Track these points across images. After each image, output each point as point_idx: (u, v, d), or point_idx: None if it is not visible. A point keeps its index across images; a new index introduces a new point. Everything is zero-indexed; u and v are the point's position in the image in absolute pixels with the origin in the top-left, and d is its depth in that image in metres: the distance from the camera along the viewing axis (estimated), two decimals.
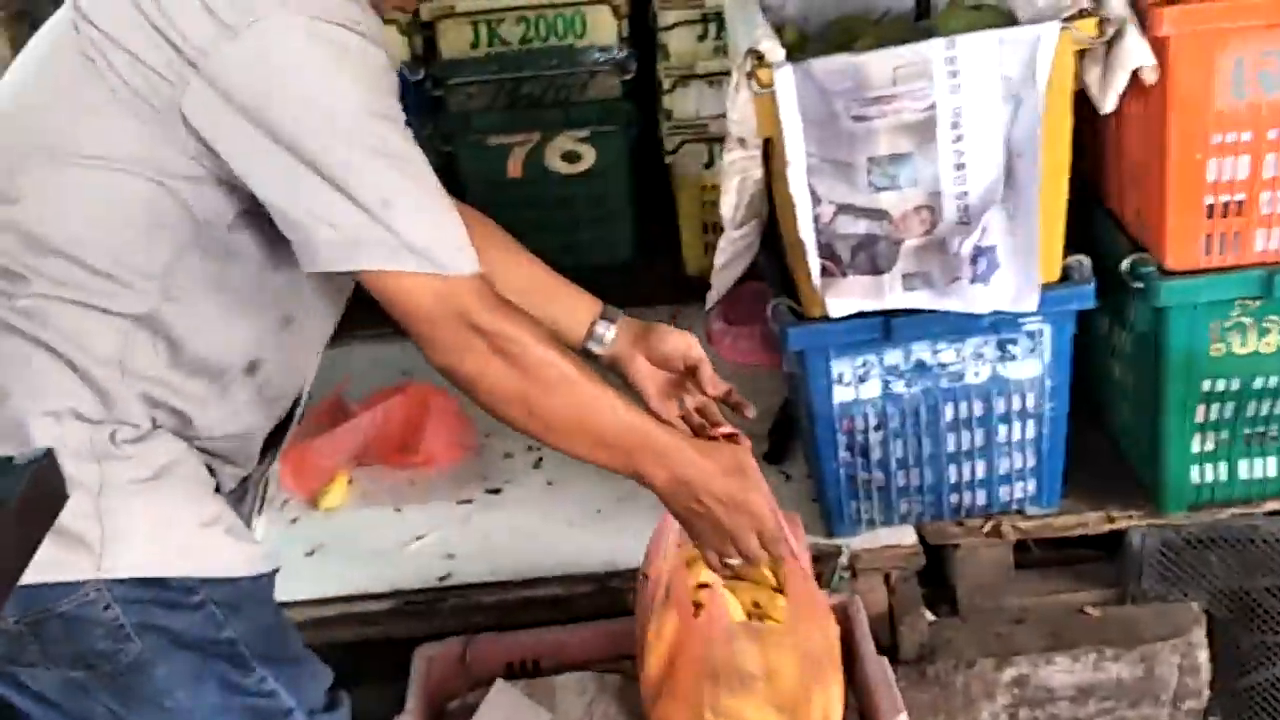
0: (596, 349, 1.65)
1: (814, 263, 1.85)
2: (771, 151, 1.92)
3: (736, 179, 1.95)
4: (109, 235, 1.30)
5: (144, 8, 1.25)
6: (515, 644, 2.07)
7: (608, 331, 1.65)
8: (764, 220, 2.05)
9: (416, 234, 1.27)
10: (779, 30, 2.14)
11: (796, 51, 2.06)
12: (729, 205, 1.97)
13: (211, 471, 1.45)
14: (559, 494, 2.38)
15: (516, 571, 2.20)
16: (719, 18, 2.89)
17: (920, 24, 2.30)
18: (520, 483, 2.44)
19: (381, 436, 2.49)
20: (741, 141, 1.92)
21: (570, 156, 3.08)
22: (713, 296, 2.13)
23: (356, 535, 2.34)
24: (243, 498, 1.59)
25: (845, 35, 2.22)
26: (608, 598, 2.13)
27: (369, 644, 2.17)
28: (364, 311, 1.46)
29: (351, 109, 1.26)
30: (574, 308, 1.66)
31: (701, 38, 2.94)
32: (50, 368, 1.31)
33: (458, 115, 3.07)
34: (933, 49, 1.75)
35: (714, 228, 2.65)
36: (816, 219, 1.83)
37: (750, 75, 1.78)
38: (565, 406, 1.36)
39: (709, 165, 2.99)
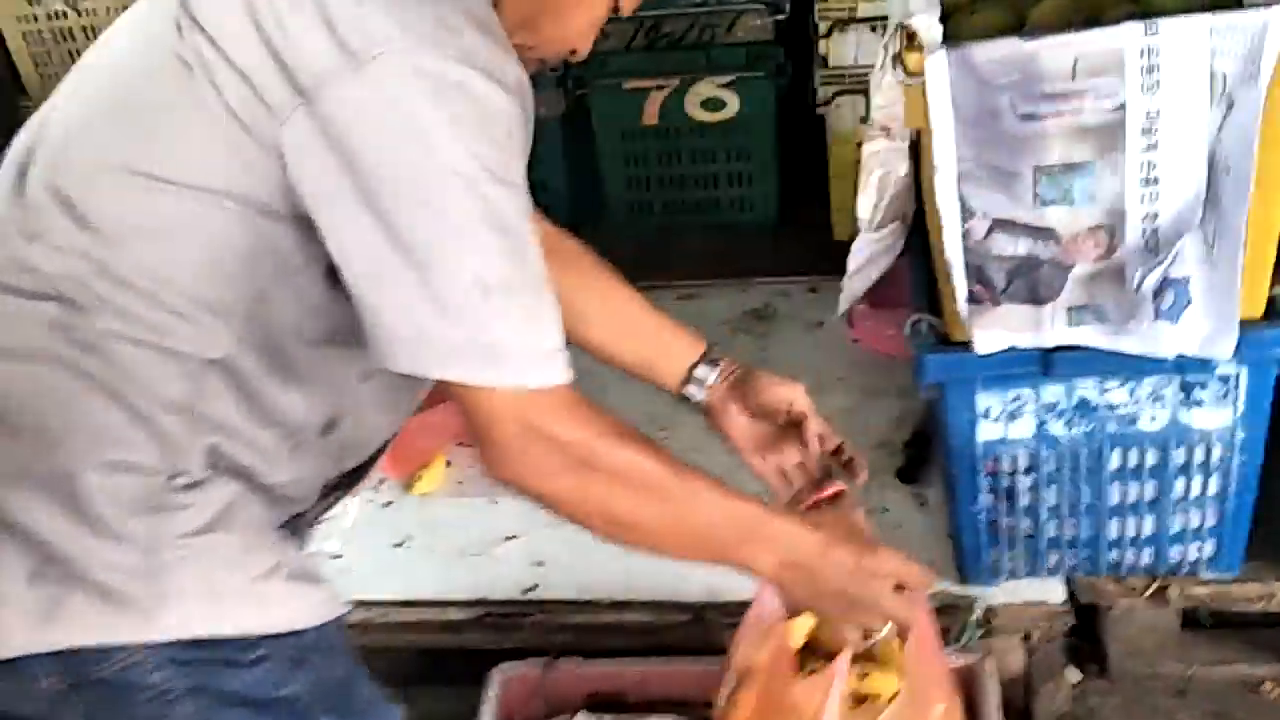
0: (696, 395, 1.49)
1: (960, 286, 1.55)
2: (921, 144, 1.62)
3: (878, 173, 1.66)
4: (188, 271, 1.14)
5: (262, 21, 1.08)
6: (598, 673, 1.90)
7: (709, 375, 1.48)
8: (909, 221, 1.75)
9: (503, 334, 1.10)
10: None
11: (967, 11, 1.74)
12: (867, 204, 1.68)
13: (273, 503, 1.29)
14: None
15: (607, 590, 2.00)
16: None
17: None
18: None
19: None
20: (885, 130, 1.62)
21: (712, 104, 2.80)
22: (844, 302, 1.85)
23: (447, 528, 2.17)
24: (299, 525, 1.42)
25: None
26: (701, 631, 1.91)
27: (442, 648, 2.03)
28: None
29: (468, 171, 1.07)
30: (672, 348, 1.50)
31: None
32: (109, 412, 1.15)
33: (592, 56, 2.75)
34: (1126, 36, 1.41)
35: None
36: (966, 235, 1.52)
37: (897, 59, 1.48)
38: (655, 513, 1.20)
39: (866, 120, 2.66)
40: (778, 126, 2.84)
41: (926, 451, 2.15)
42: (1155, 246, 1.50)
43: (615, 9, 1.25)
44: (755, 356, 2.53)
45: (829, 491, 1.42)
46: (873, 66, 2.55)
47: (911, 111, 1.55)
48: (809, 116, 2.76)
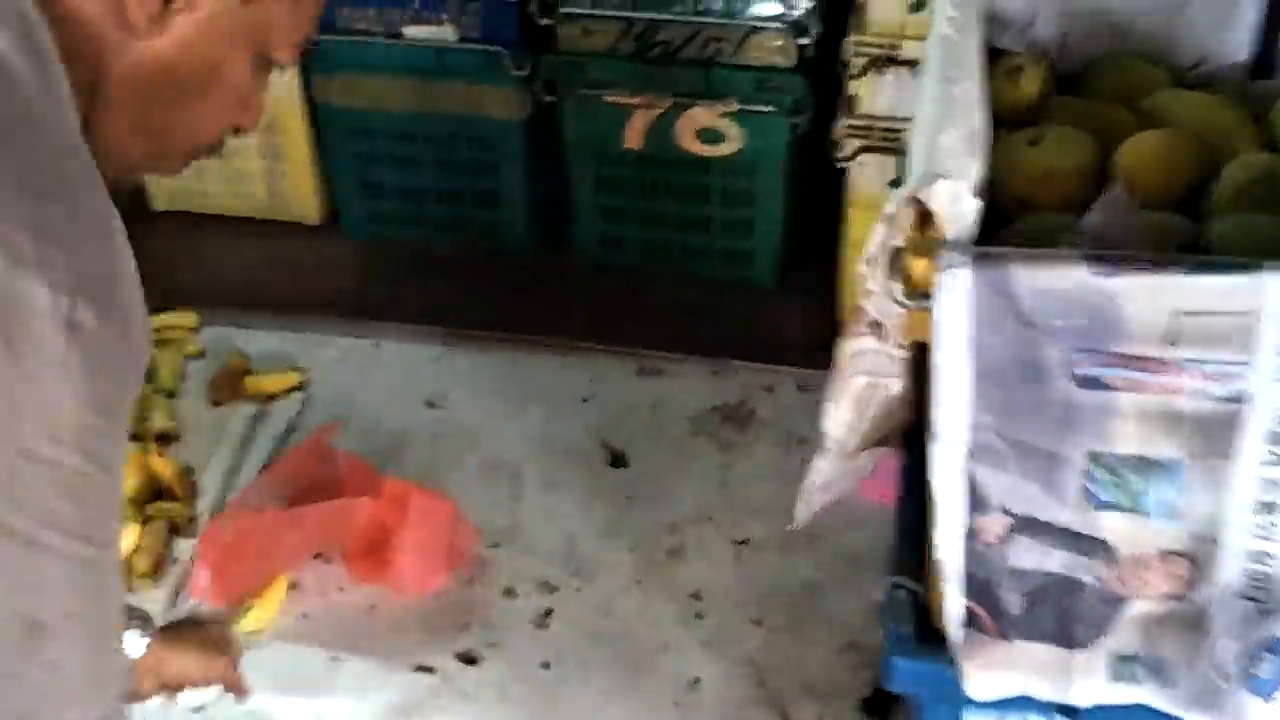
0: None
1: (955, 605, 1.02)
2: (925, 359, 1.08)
3: (859, 382, 1.12)
4: None
5: None
6: None
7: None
8: (899, 439, 1.21)
9: (47, 699, 0.81)
10: (1014, 74, 1.30)
11: (1030, 137, 1.21)
12: (839, 420, 1.14)
13: None
14: (558, 688, 1.65)
15: None
16: None
17: (1258, 86, 1.38)
18: (510, 648, 1.71)
19: (341, 534, 1.80)
20: (876, 327, 1.08)
21: (709, 136, 2.25)
22: (801, 515, 1.32)
23: (262, 696, 1.63)
24: None
25: (1119, 102, 1.33)
26: None
27: None
28: None
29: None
30: None
31: (916, 7, 2.01)
32: None
33: (568, 57, 2.25)
34: (1267, 291, 0.86)
35: None
36: (974, 534, 0.99)
37: (894, 261, 0.94)
38: None
39: (897, 184, 2.10)
40: (790, 175, 2.28)
41: None
42: (1262, 598, 0.96)
43: (271, 67, 0.92)
44: (712, 478, 2.00)
45: None
46: (908, 122, 2.02)
47: (915, 322, 1.01)
48: (829, 168, 2.20)
